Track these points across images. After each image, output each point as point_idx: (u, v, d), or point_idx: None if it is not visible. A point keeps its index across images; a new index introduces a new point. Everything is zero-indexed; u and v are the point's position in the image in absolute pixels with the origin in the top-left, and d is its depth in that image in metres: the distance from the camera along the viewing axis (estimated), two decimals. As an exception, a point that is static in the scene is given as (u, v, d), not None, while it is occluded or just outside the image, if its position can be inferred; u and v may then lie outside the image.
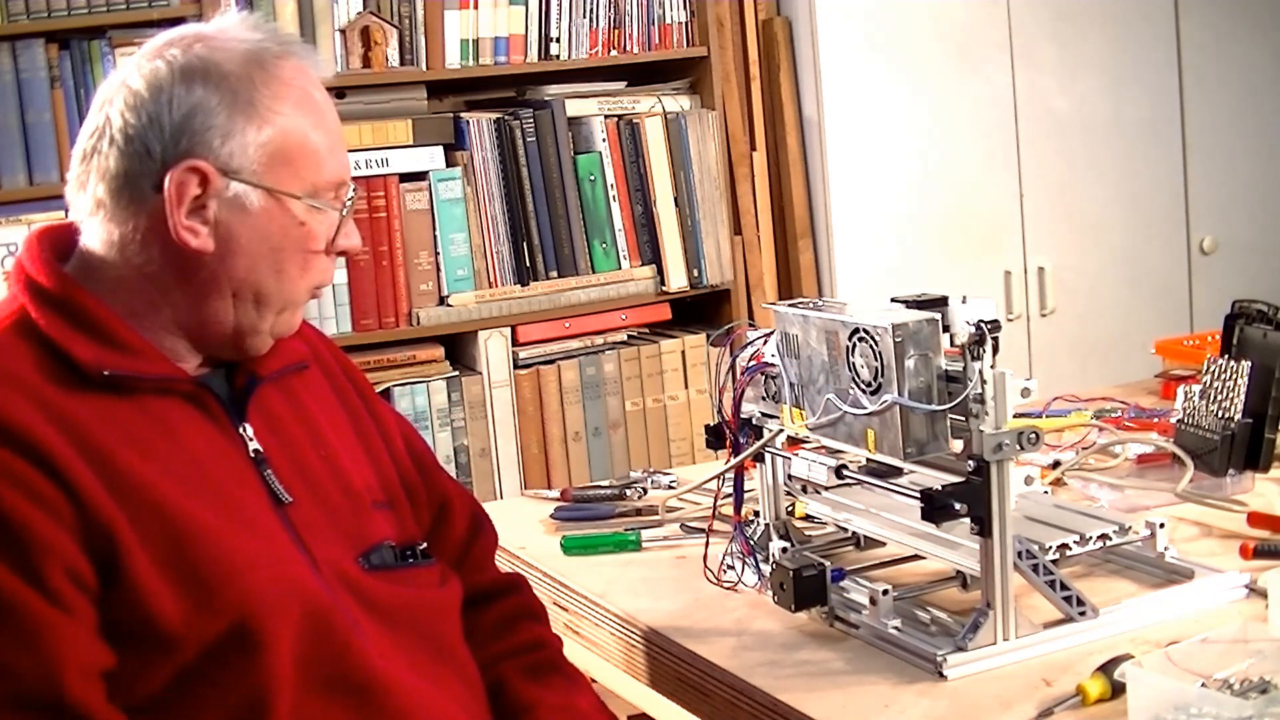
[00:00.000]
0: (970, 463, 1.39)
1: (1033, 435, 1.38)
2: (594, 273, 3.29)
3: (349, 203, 1.38)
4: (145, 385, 1.29)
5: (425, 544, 1.49)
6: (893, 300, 1.50)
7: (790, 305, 1.57)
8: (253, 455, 1.35)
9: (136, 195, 1.30)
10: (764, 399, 1.65)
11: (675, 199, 3.35)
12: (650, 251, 3.34)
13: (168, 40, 1.35)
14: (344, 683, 1.30)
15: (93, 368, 1.26)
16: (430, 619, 1.43)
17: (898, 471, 1.56)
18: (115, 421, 1.26)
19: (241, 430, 1.35)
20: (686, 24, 3.40)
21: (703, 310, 3.46)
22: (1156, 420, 2.16)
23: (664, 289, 3.34)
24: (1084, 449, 2.02)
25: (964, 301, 1.43)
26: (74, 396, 1.25)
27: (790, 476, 1.69)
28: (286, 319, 1.38)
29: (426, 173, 3.16)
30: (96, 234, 1.33)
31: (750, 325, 1.71)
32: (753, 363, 1.63)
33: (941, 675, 1.38)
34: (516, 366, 3.22)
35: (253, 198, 1.31)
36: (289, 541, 1.32)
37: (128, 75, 1.33)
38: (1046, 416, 2.23)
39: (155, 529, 1.23)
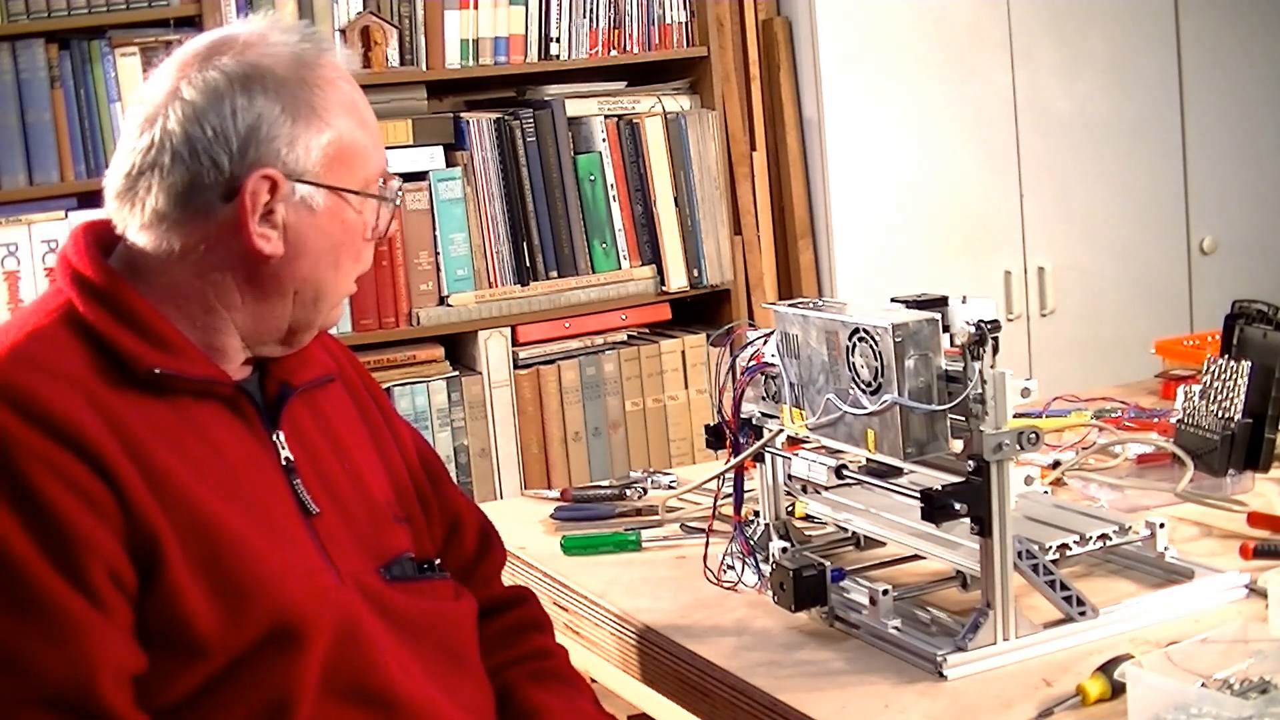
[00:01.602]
0: (970, 463, 1.39)
1: (1033, 435, 1.38)
2: (594, 273, 3.29)
3: (397, 189, 1.42)
4: (186, 386, 1.30)
5: (439, 559, 1.50)
6: (893, 300, 1.50)
7: (790, 305, 1.57)
8: (284, 464, 1.36)
9: (204, 206, 1.30)
10: (764, 399, 1.65)
11: (675, 199, 3.35)
12: (650, 251, 3.34)
13: (210, 47, 1.33)
14: (363, 693, 1.30)
15: (141, 364, 1.27)
16: (448, 630, 1.43)
17: (898, 471, 1.56)
18: (156, 423, 1.26)
19: (275, 438, 1.36)
20: (686, 24, 3.40)
21: (703, 310, 3.46)
22: (1156, 420, 2.16)
23: (664, 289, 3.34)
24: (1084, 449, 2.02)
25: (964, 301, 1.43)
26: (119, 394, 1.25)
27: (790, 476, 1.69)
28: (336, 313, 1.42)
29: (426, 173, 3.16)
30: (153, 243, 1.32)
31: (750, 325, 1.71)
32: (753, 363, 1.63)
33: (941, 675, 1.38)
34: (516, 366, 3.22)
35: (318, 198, 1.33)
36: (315, 552, 1.33)
37: (181, 89, 1.30)
38: (1046, 416, 2.23)
39: (193, 534, 1.23)
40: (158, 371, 1.27)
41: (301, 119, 1.31)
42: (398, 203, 1.42)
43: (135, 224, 1.32)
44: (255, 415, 1.35)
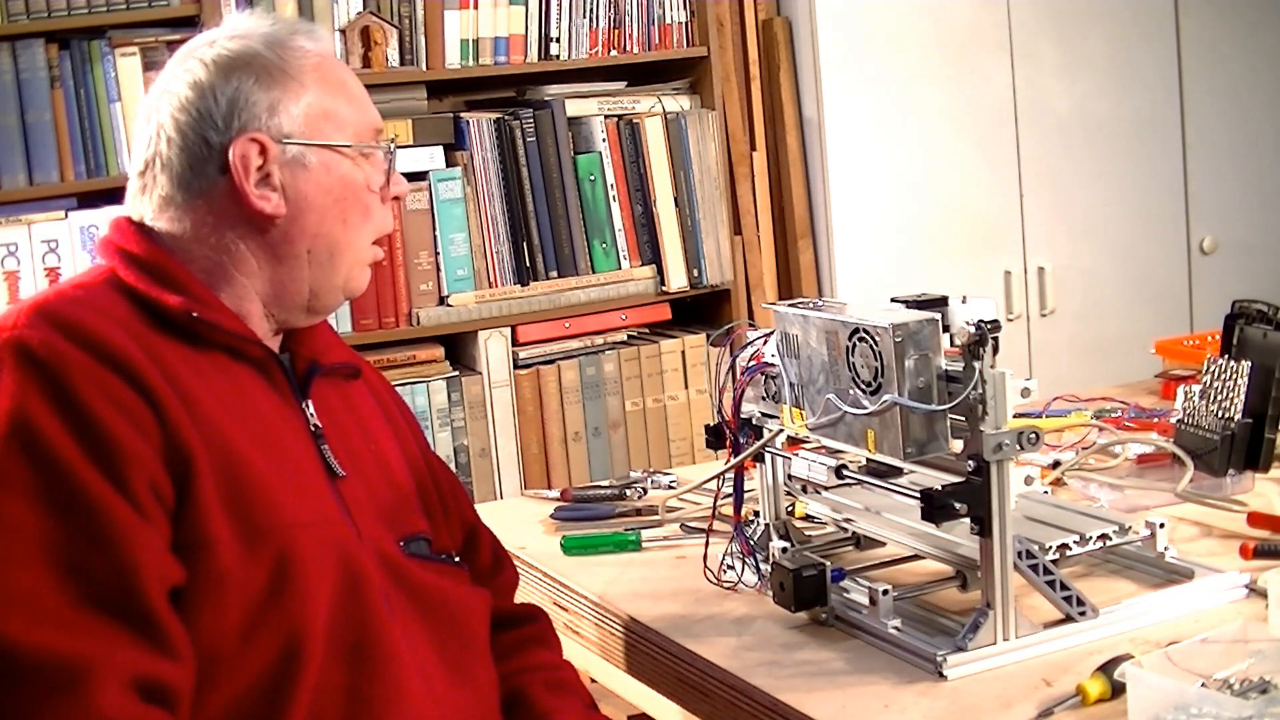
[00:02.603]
0: (970, 463, 1.39)
1: (1033, 435, 1.38)
2: (594, 273, 3.29)
3: (392, 145, 1.47)
4: (221, 339, 1.36)
5: (457, 557, 1.54)
6: (893, 300, 1.50)
7: (790, 305, 1.57)
8: (312, 429, 1.41)
9: (204, 182, 1.39)
10: (764, 399, 1.65)
11: (675, 199, 3.35)
12: (650, 251, 3.34)
13: (192, 46, 1.44)
14: (365, 653, 1.32)
15: (179, 311, 1.34)
16: (460, 611, 1.46)
17: (898, 471, 1.56)
18: (196, 367, 1.33)
19: (304, 406, 1.42)
20: (686, 24, 3.40)
21: (703, 310, 3.46)
22: (1156, 420, 2.16)
23: (664, 289, 3.34)
24: (1084, 449, 2.02)
25: (964, 301, 1.44)
26: (161, 340, 1.32)
27: (790, 476, 1.69)
28: (358, 277, 1.47)
29: (426, 173, 3.16)
30: (169, 227, 1.41)
31: (750, 325, 1.71)
32: (753, 363, 1.63)
33: (941, 675, 1.38)
34: (516, 366, 3.22)
35: (309, 156, 1.40)
36: (338, 510, 1.37)
37: (169, 84, 1.41)
38: (1046, 416, 2.23)
39: (222, 466, 1.28)
40: (195, 315, 1.33)
41: (277, 86, 1.40)
42: (390, 151, 1.47)
43: (150, 213, 1.41)
44: (285, 382, 1.41)
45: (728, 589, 1.66)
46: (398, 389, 3.08)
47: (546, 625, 1.63)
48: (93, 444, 1.22)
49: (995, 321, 1.39)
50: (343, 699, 1.30)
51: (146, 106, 1.43)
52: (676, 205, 3.35)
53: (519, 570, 1.80)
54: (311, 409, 1.42)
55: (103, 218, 2.89)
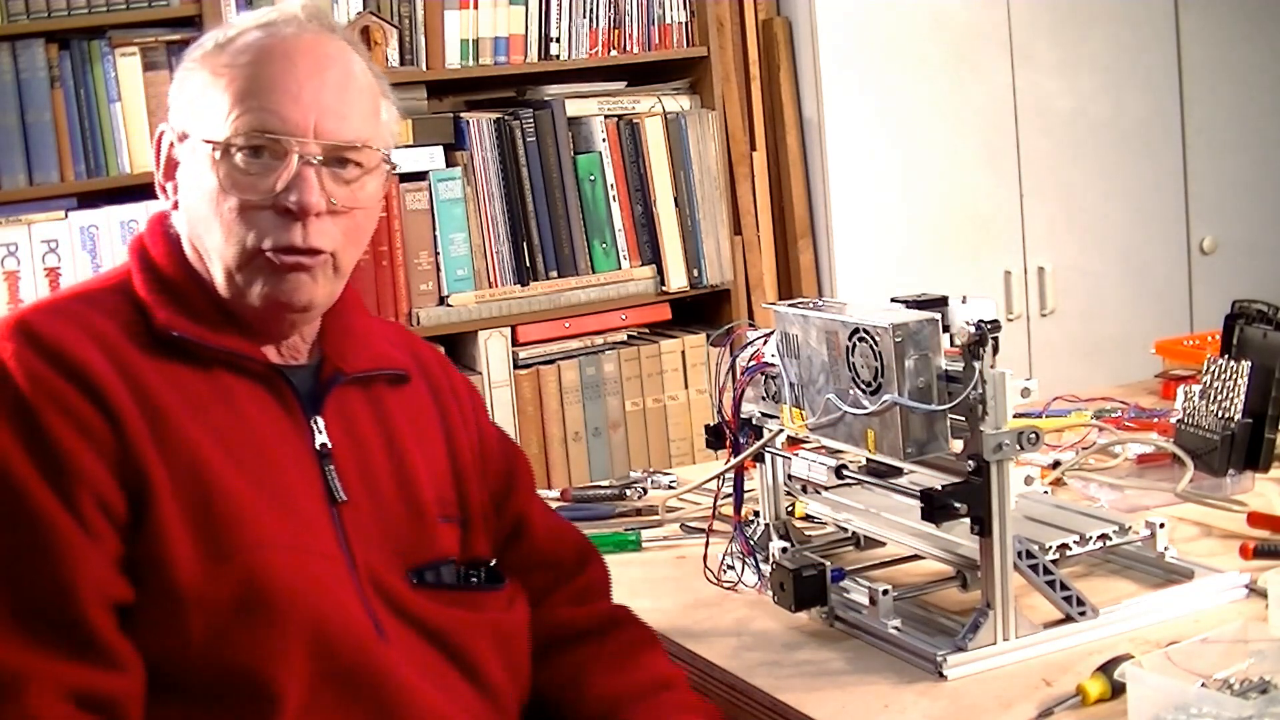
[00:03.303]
0: (970, 463, 1.39)
1: (1033, 435, 1.38)
2: (594, 273, 3.29)
3: (289, 155, 1.32)
4: (216, 357, 1.32)
5: (494, 561, 1.47)
6: (893, 300, 1.50)
7: (790, 305, 1.57)
8: (318, 449, 1.35)
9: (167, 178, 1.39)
10: (764, 399, 1.65)
11: (675, 199, 3.35)
12: (650, 251, 3.34)
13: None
14: (357, 686, 1.28)
15: (162, 328, 1.30)
16: (474, 642, 1.40)
17: (898, 471, 1.56)
18: (180, 385, 1.29)
19: (312, 423, 1.36)
20: (686, 24, 3.40)
21: (703, 310, 3.46)
22: (1156, 420, 2.16)
23: (664, 289, 3.34)
24: (1084, 449, 2.02)
25: (964, 301, 1.44)
26: (147, 357, 1.29)
27: (790, 476, 1.69)
28: (259, 287, 1.33)
29: (426, 173, 3.15)
30: (180, 223, 1.39)
31: (750, 325, 1.71)
32: (753, 363, 1.63)
33: (941, 675, 1.38)
34: (516, 366, 3.22)
35: (190, 148, 1.35)
36: (332, 538, 1.32)
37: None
38: (1046, 416, 2.23)
39: (189, 484, 1.25)
40: (175, 334, 1.30)
41: (195, 72, 1.35)
42: (278, 167, 1.31)
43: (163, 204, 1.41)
44: (293, 398, 1.36)
45: (728, 589, 1.66)
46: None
47: (640, 629, 1.51)
48: (42, 456, 1.20)
49: (995, 321, 1.39)
50: None
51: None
52: (676, 205, 3.35)
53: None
54: (322, 425, 1.36)
55: (103, 218, 2.89)
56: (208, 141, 1.32)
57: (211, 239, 1.33)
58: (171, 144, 1.37)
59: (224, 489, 1.26)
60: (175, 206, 1.37)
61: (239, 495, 1.27)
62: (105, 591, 1.21)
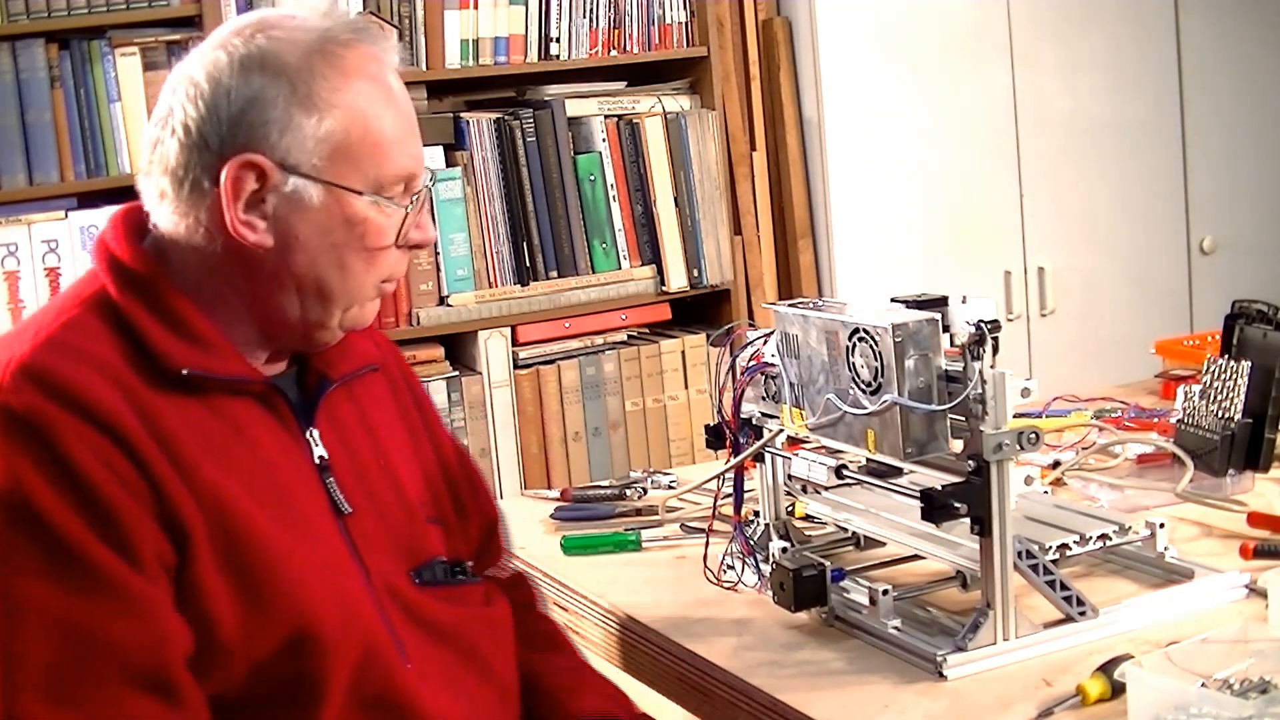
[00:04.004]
0: (970, 463, 1.39)
1: (1033, 435, 1.38)
2: (594, 273, 3.29)
3: (418, 196, 1.33)
4: (219, 385, 1.27)
5: (471, 563, 1.48)
6: (893, 300, 1.50)
7: (790, 305, 1.57)
8: (317, 462, 1.33)
9: (195, 188, 1.27)
10: (764, 399, 1.65)
11: (675, 199, 3.35)
12: (650, 251, 3.34)
13: (234, 29, 1.30)
14: (383, 703, 1.28)
15: (171, 364, 1.24)
16: (478, 638, 1.42)
17: (898, 471, 1.56)
18: (189, 419, 1.24)
19: (308, 435, 1.34)
20: (686, 24, 3.40)
21: (703, 310, 3.46)
22: (1156, 420, 2.16)
23: (664, 289, 3.34)
24: (1084, 449, 2.02)
25: (964, 301, 1.43)
26: (152, 388, 1.23)
27: (790, 476, 1.69)
28: (355, 314, 1.34)
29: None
30: (165, 221, 1.31)
31: (750, 325, 1.71)
32: (753, 363, 1.63)
33: (941, 675, 1.38)
34: (516, 366, 3.22)
35: (312, 193, 1.27)
36: (346, 553, 1.31)
37: (192, 66, 1.29)
38: (1046, 416, 2.23)
39: (220, 531, 1.21)
40: (186, 373, 1.25)
41: (298, 105, 1.25)
42: (410, 209, 1.32)
43: (150, 201, 1.31)
44: (289, 412, 1.33)
45: (728, 589, 1.65)
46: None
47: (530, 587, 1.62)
48: (96, 516, 1.16)
49: (995, 321, 1.39)
50: None
51: (169, 80, 1.31)
52: (676, 205, 3.35)
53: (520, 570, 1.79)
54: (317, 437, 1.34)
55: (103, 218, 2.88)
56: (343, 188, 1.27)
57: (333, 280, 1.30)
58: (266, 175, 1.26)
59: (249, 529, 1.23)
60: (258, 246, 1.27)
61: (264, 534, 1.24)
62: (184, 643, 1.19)
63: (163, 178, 1.29)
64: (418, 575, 1.39)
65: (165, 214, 1.30)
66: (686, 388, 3.35)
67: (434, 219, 3.14)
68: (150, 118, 1.32)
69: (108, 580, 1.16)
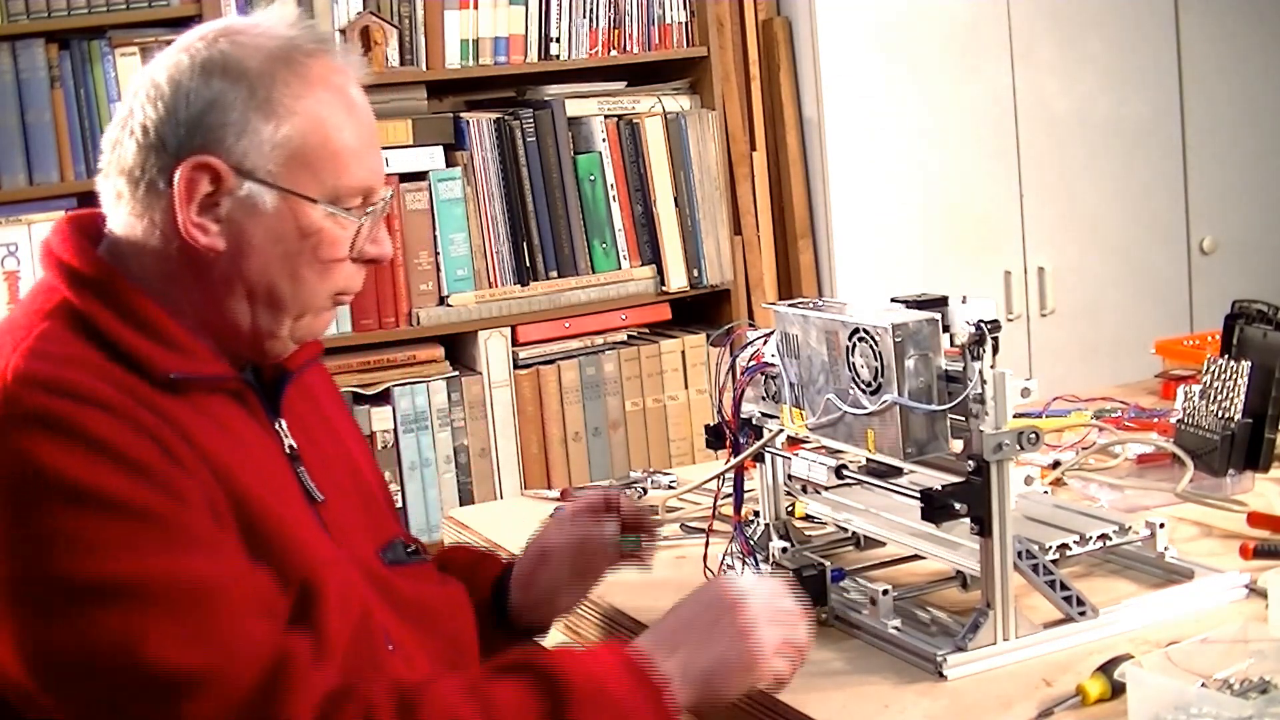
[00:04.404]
0: (970, 463, 1.39)
1: (1033, 435, 1.38)
2: (594, 273, 3.29)
3: (375, 209, 1.33)
4: (198, 385, 1.27)
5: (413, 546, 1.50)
6: (893, 300, 1.50)
7: (790, 305, 1.57)
8: (288, 452, 1.35)
9: (151, 189, 1.27)
10: (764, 399, 1.65)
11: (675, 199, 3.35)
12: (650, 251, 3.34)
13: (199, 34, 1.30)
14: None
15: (156, 368, 1.23)
16: (446, 615, 1.44)
17: (898, 471, 1.56)
18: (186, 412, 1.24)
19: (277, 426, 1.35)
20: (686, 24, 3.40)
21: (703, 310, 3.46)
22: (1156, 420, 2.16)
23: (664, 289, 3.34)
24: (1084, 449, 2.02)
25: (964, 301, 1.43)
26: (141, 388, 1.22)
27: (790, 476, 1.69)
28: (308, 324, 1.34)
29: (426, 173, 3.16)
30: (120, 223, 1.30)
31: (750, 325, 1.71)
32: (753, 363, 1.63)
33: (941, 675, 1.38)
34: (516, 366, 3.22)
35: (266, 199, 1.26)
36: (324, 537, 1.33)
37: (154, 68, 1.29)
38: (1046, 416, 2.23)
39: (234, 503, 1.22)
40: (173, 377, 1.24)
41: (257, 110, 1.25)
42: (366, 221, 1.31)
43: (107, 203, 1.31)
44: (259, 406, 1.34)
45: (728, 589, 1.65)
46: (396, 388, 3.12)
47: None
48: (152, 481, 1.16)
49: (995, 321, 1.39)
50: None
51: (131, 83, 1.30)
52: (676, 205, 3.35)
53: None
54: (284, 427, 1.35)
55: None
56: (299, 195, 1.26)
57: (285, 288, 1.29)
58: (221, 178, 1.25)
59: (261, 500, 1.24)
60: (210, 249, 1.26)
61: (271, 506, 1.25)
62: (264, 573, 1.22)
63: (119, 178, 1.29)
64: (383, 556, 1.41)
65: (122, 215, 1.30)
66: (686, 388, 3.35)
67: (434, 220, 3.15)
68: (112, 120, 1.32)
69: (192, 535, 1.16)
